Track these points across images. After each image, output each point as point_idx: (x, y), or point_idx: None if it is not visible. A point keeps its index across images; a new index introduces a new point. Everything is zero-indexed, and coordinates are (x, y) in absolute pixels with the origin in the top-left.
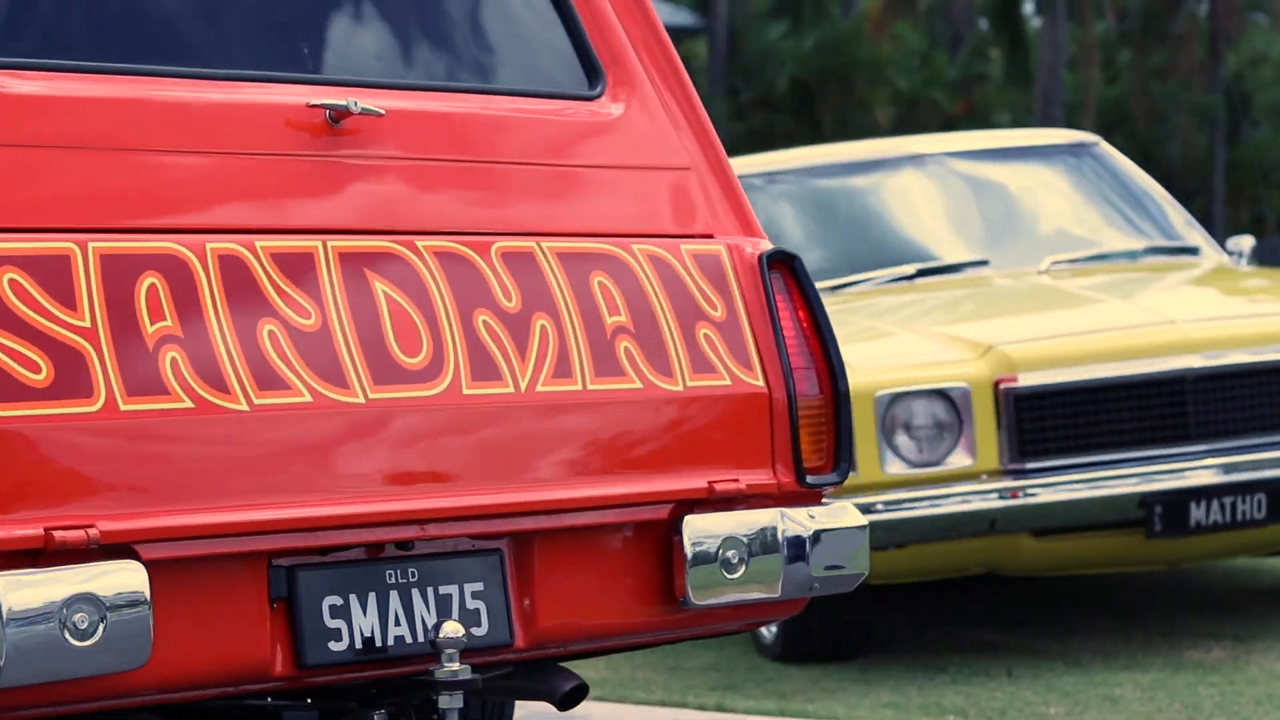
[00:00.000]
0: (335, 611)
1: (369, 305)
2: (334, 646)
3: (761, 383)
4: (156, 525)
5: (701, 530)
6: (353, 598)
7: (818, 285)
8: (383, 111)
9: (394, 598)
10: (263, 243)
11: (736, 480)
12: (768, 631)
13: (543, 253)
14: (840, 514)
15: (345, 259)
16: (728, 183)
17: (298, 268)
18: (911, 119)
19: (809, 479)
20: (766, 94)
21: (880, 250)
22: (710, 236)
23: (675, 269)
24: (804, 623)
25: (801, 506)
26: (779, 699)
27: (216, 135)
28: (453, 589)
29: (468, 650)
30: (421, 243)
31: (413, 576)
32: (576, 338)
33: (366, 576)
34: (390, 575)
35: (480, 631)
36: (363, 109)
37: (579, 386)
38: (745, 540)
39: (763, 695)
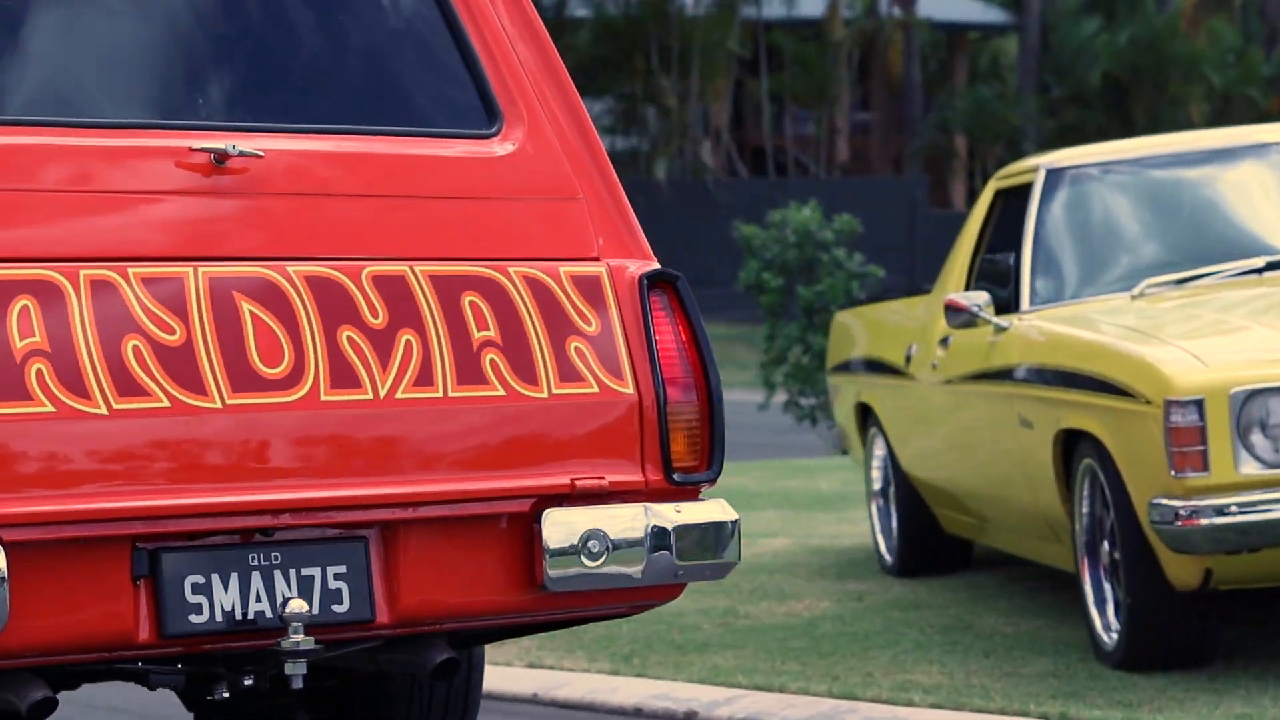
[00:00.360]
0: (197, 588)
1: (233, 323)
2: (194, 619)
3: (631, 390)
4: (14, 512)
5: (561, 522)
6: (215, 577)
7: (1158, 279)
8: (262, 153)
9: (256, 578)
10: (135, 269)
11: (601, 478)
12: (1109, 637)
13: (414, 276)
14: (709, 509)
15: (215, 282)
16: (618, 210)
17: (167, 291)
18: (1225, 115)
19: (677, 477)
20: (1078, 90)
21: (1225, 242)
22: (595, 259)
23: (551, 289)
24: (1149, 629)
25: (670, 502)
26: (1125, 709)
27: (109, 177)
28: (315, 571)
29: (328, 625)
30: (292, 268)
31: (275, 560)
32: (441, 350)
33: (229, 559)
34: (253, 558)
35: (341, 609)
36: (240, 151)
37: (440, 394)
38: (608, 532)
39: (1107, 705)
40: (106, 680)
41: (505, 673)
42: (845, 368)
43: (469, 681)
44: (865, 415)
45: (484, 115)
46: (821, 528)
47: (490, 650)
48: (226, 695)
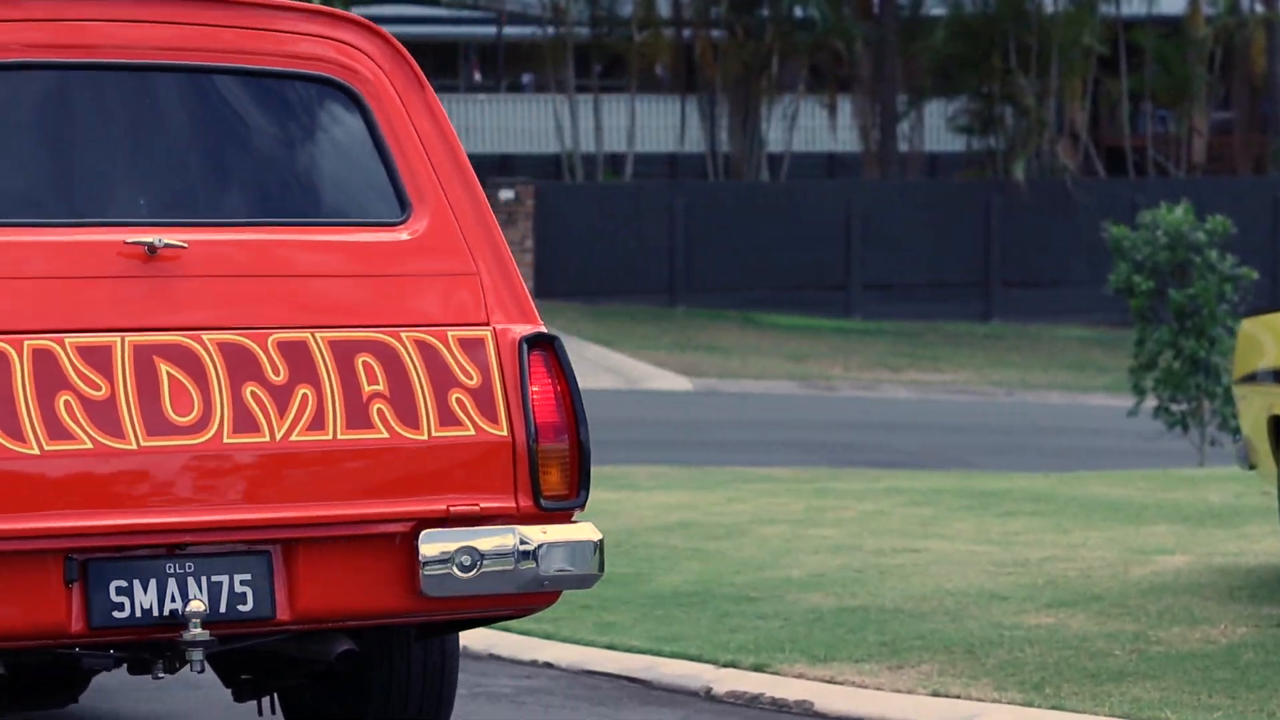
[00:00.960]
0: (120, 590)
1: (152, 380)
2: (117, 615)
3: (505, 433)
4: None
5: (436, 540)
6: (136, 582)
7: None
8: (185, 244)
9: (171, 583)
10: (71, 339)
11: (475, 505)
12: None
13: (315, 341)
14: (575, 530)
15: (138, 348)
16: (509, 282)
17: (97, 356)
18: None
19: (546, 504)
20: None
21: None
22: (484, 324)
23: (438, 349)
24: None
25: (540, 525)
26: None
27: (57, 266)
28: (224, 578)
29: (234, 621)
30: (207, 336)
31: (189, 568)
32: (334, 401)
33: (149, 568)
34: (169, 567)
35: (246, 608)
36: (165, 243)
37: (330, 436)
38: (479, 549)
39: None
40: (54, 665)
41: (909, 701)
42: (1253, 378)
43: (442, 679)
44: (1278, 429)
45: (395, 206)
46: (1221, 545)
47: (889, 675)
48: (195, 668)
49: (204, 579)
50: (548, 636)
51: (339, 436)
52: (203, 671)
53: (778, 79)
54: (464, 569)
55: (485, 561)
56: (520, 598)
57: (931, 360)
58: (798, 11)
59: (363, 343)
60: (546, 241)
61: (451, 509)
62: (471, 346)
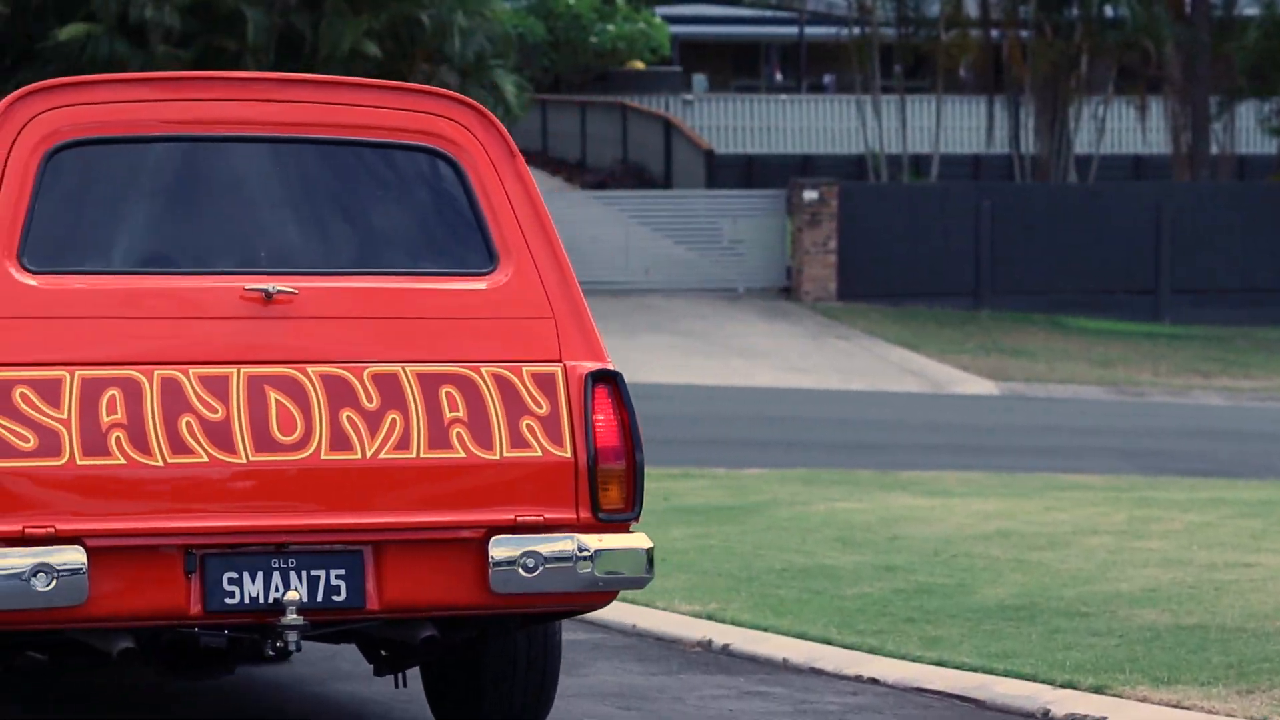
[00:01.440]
0: (231, 580)
1: (261, 405)
2: (228, 601)
3: (569, 455)
4: (93, 527)
5: (504, 545)
6: (245, 574)
7: None
8: (296, 290)
9: (275, 576)
10: (195, 370)
11: (540, 515)
12: None
13: (405, 374)
14: (629, 539)
15: (251, 378)
16: (581, 325)
17: (216, 385)
18: None
19: (603, 516)
20: None
21: None
22: (557, 361)
23: (513, 383)
24: None
25: (597, 534)
26: None
27: (187, 306)
28: (321, 573)
29: (328, 609)
30: (311, 369)
31: (290, 564)
32: (418, 425)
33: (256, 562)
34: (274, 562)
35: (340, 599)
36: (279, 290)
37: (414, 455)
38: (542, 553)
39: None
40: (179, 641)
41: None
42: None
43: (544, 668)
44: None
45: (485, 258)
46: None
47: (1239, 701)
48: (290, 649)
49: (304, 573)
50: (872, 651)
51: (421, 455)
52: (299, 650)
53: (1086, 79)
54: (528, 570)
55: (546, 564)
56: (579, 596)
57: (1242, 367)
58: (1108, 11)
59: (446, 375)
60: (850, 242)
61: (518, 519)
62: (543, 380)
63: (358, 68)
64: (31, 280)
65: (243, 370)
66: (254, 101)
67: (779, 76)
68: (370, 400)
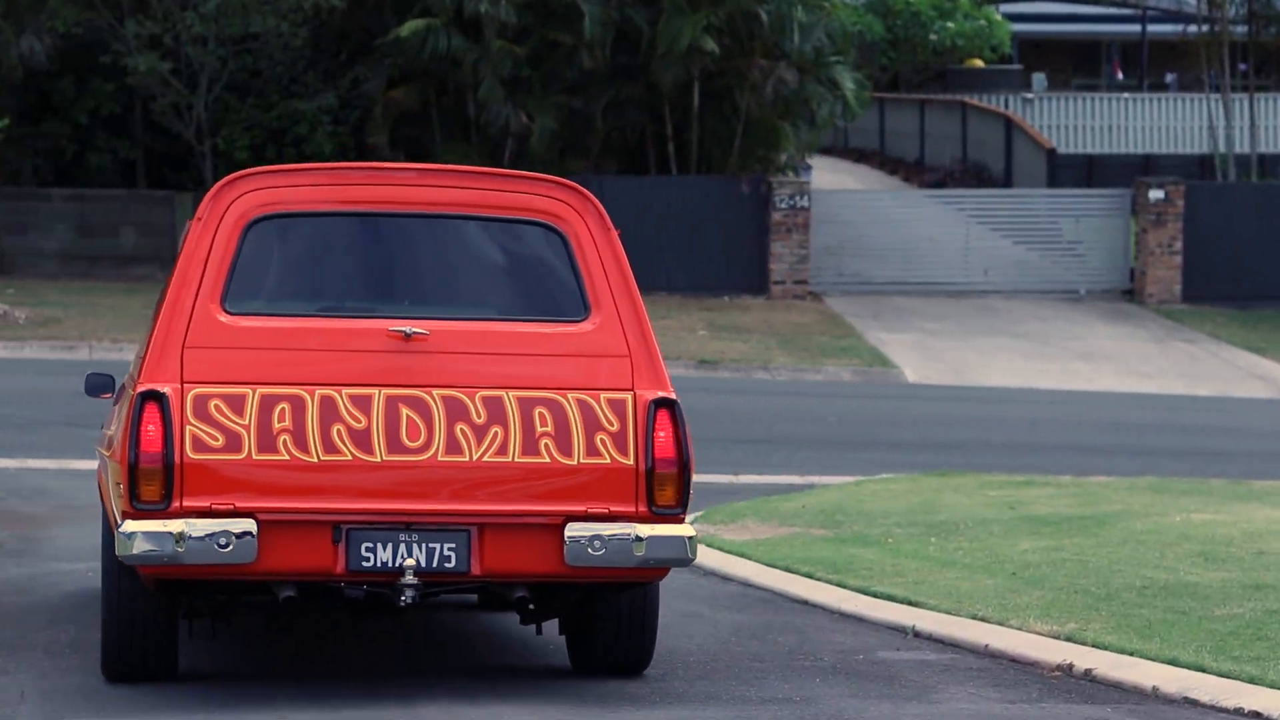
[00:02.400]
0: (369, 549)
1: (395, 418)
2: (364, 564)
3: (632, 462)
4: (263, 505)
5: (576, 530)
6: (381, 542)
7: None
8: (428, 332)
9: (401, 546)
10: (346, 390)
11: (606, 508)
12: None
13: (508, 398)
14: (676, 528)
15: (388, 398)
16: (650, 360)
17: (361, 402)
18: None
19: (657, 510)
20: None
21: None
22: (628, 389)
23: (591, 406)
24: None
25: (651, 524)
26: None
27: (344, 342)
28: (437, 545)
29: (440, 574)
30: (435, 391)
31: (413, 538)
32: (515, 437)
33: (386, 535)
34: (404, 536)
35: (450, 565)
36: (415, 331)
37: (510, 459)
38: (606, 534)
39: None
40: (325, 595)
41: None
42: None
43: (644, 623)
44: None
45: (580, 308)
46: None
47: None
48: (406, 602)
49: (423, 545)
50: (1252, 680)
51: (515, 460)
52: (415, 603)
53: None
54: (594, 549)
55: (609, 545)
56: (635, 570)
57: None
58: None
59: (540, 399)
60: (1195, 243)
61: (589, 510)
62: (616, 404)
63: (695, 63)
64: (229, 320)
65: (383, 391)
66: (403, 186)
67: (1119, 75)
68: (479, 416)
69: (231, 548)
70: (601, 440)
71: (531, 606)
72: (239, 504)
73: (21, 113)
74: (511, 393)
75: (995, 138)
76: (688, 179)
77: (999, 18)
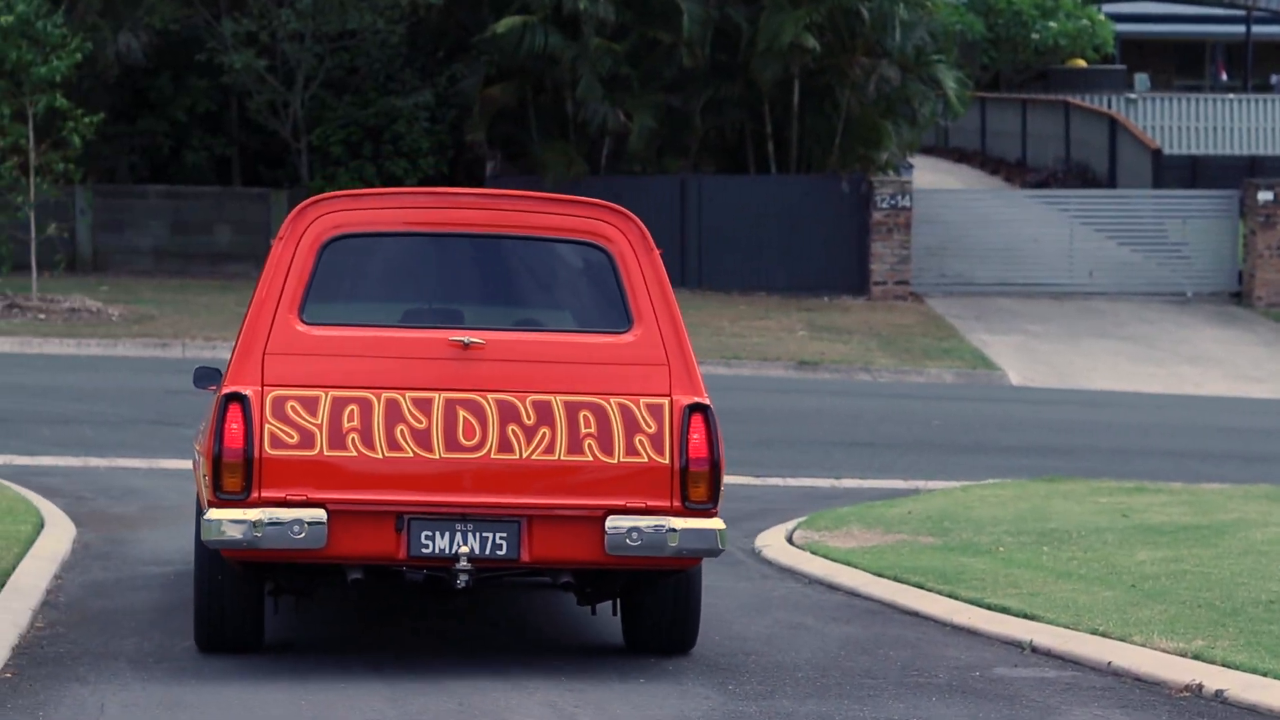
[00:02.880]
0: (428, 537)
1: (452, 419)
2: (424, 550)
3: (668, 461)
4: (333, 497)
5: (615, 522)
6: (437, 531)
7: None
8: (484, 341)
9: (457, 535)
10: (409, 394)
11: (644, 503)
12: None
13: (556, 402)
14: (707, 522)
15: (447, 400)
16: (686, 368)
17: (422, 404)
18: None
19: (690, 505)
20: None
21: None
22: (665, 395)
23: (632, 410)
24: None
25: (684, 518)
26: None
27: (408, 350)
28: (490, 535)
29: (492, 560)
30: (490, 395)
31: (468, 527)
32: (561, 437)
33: (444, 525)
34: (460, 525)
35: (501, 553)
36: (472, 341)
37: (556, 457)
38: (643, 527)
39: None
40: (387, 577)
41: None
42: None
43: (687, 606)
44: None
45: (623, 321)
46: None
47: None
48: (461, 585)
49: (477, 534)
50: None
51: (561, 458)
52: (469, 587)
53: None
54: (632, 540)
55: (645, 536)
56: (669, 559)
57: None
58: None
59: (585, 403)
60: None
61: (628, 504)
62: (654, 409)
63: (795, 60)
64: (305, 329)
65: (442, 395)
66: (463, 209)
67: (1223, 76)
68: (529, 418)
69: (304, 535)
70: (640, 441)
71: (588, 590)
72: (311, 495)
73: (118, 110)
74: (559, 397)
75: (1099, 138)
76: (787, 178)
77: (1102, 17)
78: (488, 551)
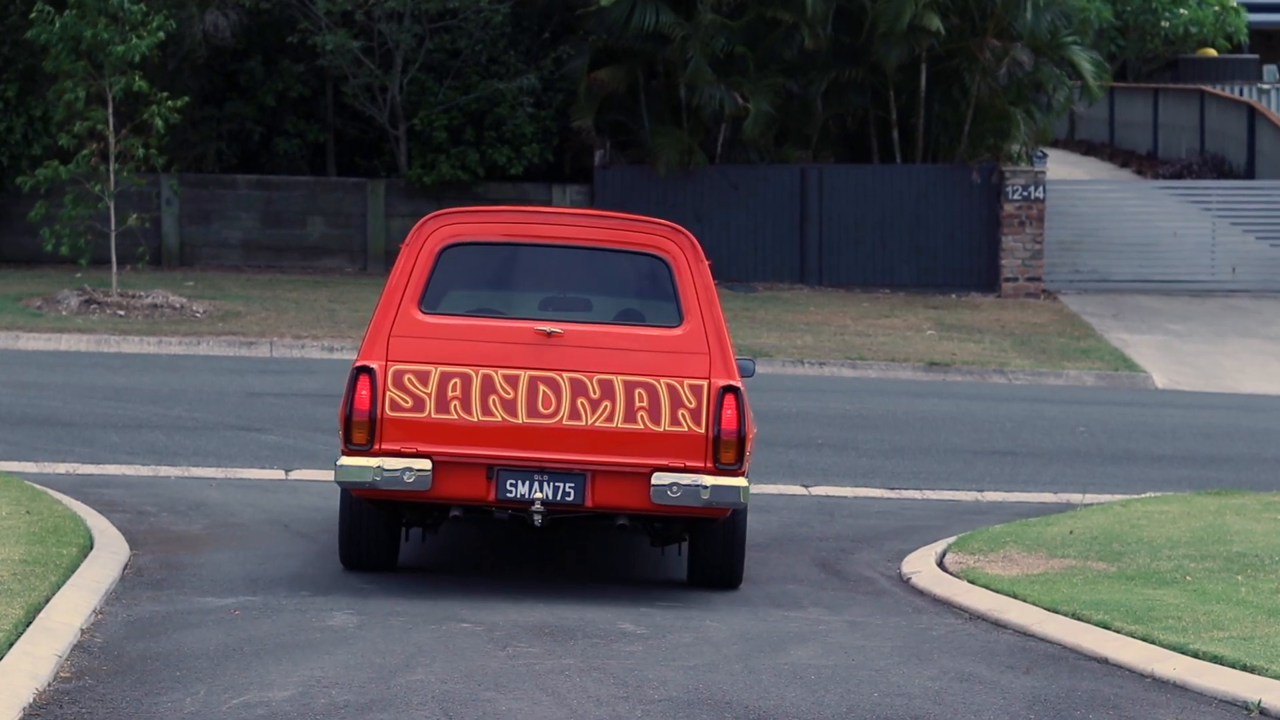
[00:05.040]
0: (512, 484)
1: (534, 392)
2: (509, 494)
3: (704, 431)
4: (439, 450)
5: (659, 478)
6: (519, 480)
7: None
8: (562, 331)
9: (535, 483)
10: (501, 371)
11: (683, 464)
12: None
13: (617, 381)
14: (733, 480)
15: (531, 377)
16: (724, 356)
17: (512, 380)
18: None
19: (720, 466)
20: None
21: None
22: (705, 378)
23: (678, 390)
24: None
25: (716, 476)
26: None
27: (502, 336)
28: (561, 484)
29: (561, 505)
30: (564, 374)
31: (544, 478)
32: (619, 409)
33: (524, 475)
34: (537, 476)
35: (570, 499)
36: (553, 331)
37: (615, 425)
38: (681, 483)
39: None
40: (482, 513)
41: None
42: None
43: (733, 546)
44: None
45: (676, 319)
46: None
47: None
48: (537, 524)
49: (551, 483)
50: None
51: (619, 426)
52: (542, 525)
53: None
54: (673, 492)
55: (683, 489)
56: (702, 509)
57: None
58: None
59: (640, 383)
60: None
61: (670, 464)
62: (696, 389)
63: (920, 42)
64: (423, 318)
65: (527, 373)
66: (550, 225)
67: None
68: (595, 393)
69: (414, 479)
70: (682, 414)
71: (658, 527)
72: (420, 449)
73: (206, 94)
74: (619, 377)
75: (1236, 128)
76: (913, 168)
77: (1234, 4)
78: (558, 497)
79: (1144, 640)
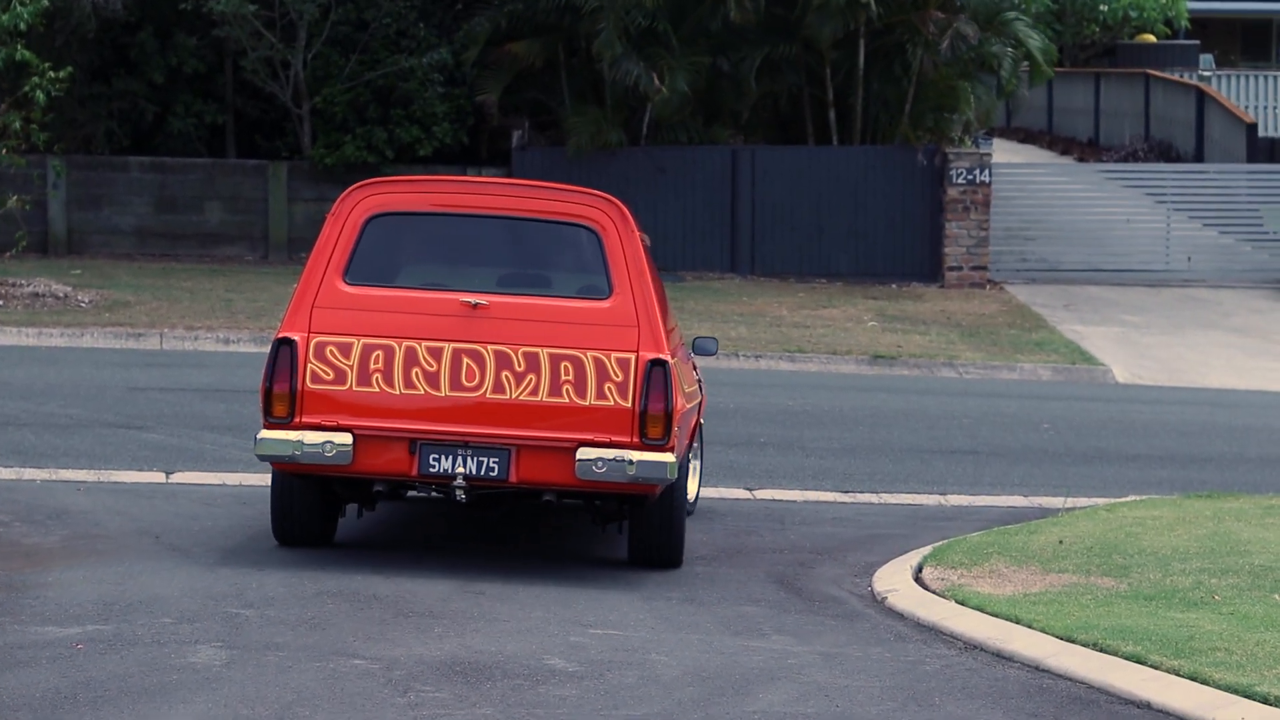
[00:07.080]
0: (435, 459)
1: (457, 365)
2: (431, 469)
3: (630, 405)
4: (359, 423)
5: (585, 453)
6: (442, 455)
7: None
8: (487, 303)
9: (457, 458)
10: (424, 344)
11: (608, 438)
12: None
13: (543, 354)
14: (659, 455)
15: (455, 350)
16: (653, 331)
17: (435, 352)
18: None
19: (647, 441)
20: None
21: None
22: (634, 351)
23: (604, 363)
24: None
25: (641, 451)
26: None
27: (426, 308)
28: (484, 459)
29: (484, 480)
30: (489, 346)
31: (468, 452)
32: (544, 382)
33: (447, 449)
34: (460, 451)
35: (493, 474)
36: (478, 303)
37: (540, 399)
38: (607, 457)
39: None
40: (405, 489)
41: None
42: None
43: (671, 525)
44: None
45: (605, 290)
46: None
47: None
48: (460, 499)
49: (474, 458)
50: None
51: (544, 400)
52: (466, 501)
53: None
54: (598, 467)
55: (608, 465)
56: (628, 485)
57: None
58: None
59: (566, 355)
60: None
61: (595, 439)
62: (623, 363)
63: (856, 15)
64: (347, 289)
65: (451, 345)
66: (479, 195)
67: None
68: (519, 366)
69: (334, 454)
70: (608, 388)
71: (597, 505)
72: (341, 422)
73: (95, 70)
74: (545, 350)
75: (1184, 112)
76: (851, 150)
77: None
78: (482, 472)
79: (1192, 679)
